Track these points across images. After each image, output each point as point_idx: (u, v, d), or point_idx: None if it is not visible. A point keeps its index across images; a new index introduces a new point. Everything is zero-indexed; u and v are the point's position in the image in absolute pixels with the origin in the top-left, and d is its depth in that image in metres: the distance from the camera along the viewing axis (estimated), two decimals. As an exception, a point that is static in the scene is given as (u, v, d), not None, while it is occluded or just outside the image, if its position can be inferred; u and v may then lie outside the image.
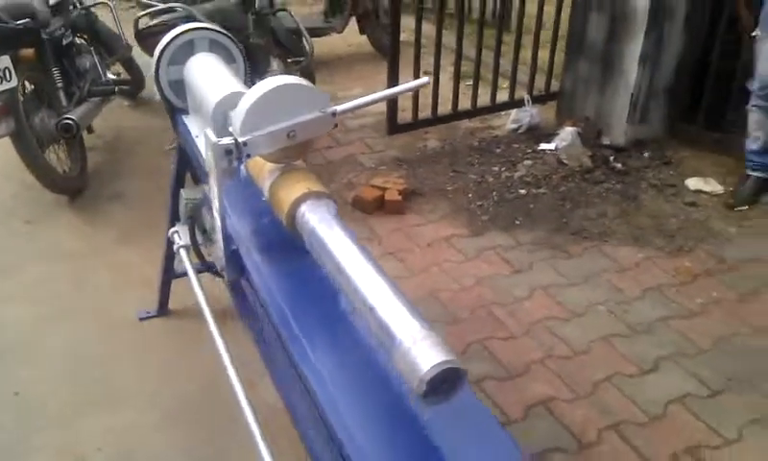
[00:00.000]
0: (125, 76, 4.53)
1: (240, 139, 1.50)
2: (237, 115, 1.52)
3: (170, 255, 2.58)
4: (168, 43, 2.25)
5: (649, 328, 2.61)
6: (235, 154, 1.51)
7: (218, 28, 2.38)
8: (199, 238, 2.38)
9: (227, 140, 1.51)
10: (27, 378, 2.41)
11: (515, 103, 4.31)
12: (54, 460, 2.11)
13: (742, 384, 2.35)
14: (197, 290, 2.25)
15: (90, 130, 4.07)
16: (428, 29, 4.29)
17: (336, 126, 1.64)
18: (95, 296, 2.83)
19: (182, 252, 2.40)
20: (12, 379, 2.40)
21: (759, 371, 2.41)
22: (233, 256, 1.61)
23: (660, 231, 3.24)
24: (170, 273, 2.61)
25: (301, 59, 3.99)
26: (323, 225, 1.44)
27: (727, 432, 2.16)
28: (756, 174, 3.46)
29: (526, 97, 4.30)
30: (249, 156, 1.53)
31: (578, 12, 4.19)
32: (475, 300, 2.71)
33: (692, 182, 3.67)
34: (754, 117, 3.37)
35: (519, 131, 4.20)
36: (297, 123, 1.55)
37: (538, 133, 4.17)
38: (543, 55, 4.40)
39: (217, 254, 1.66)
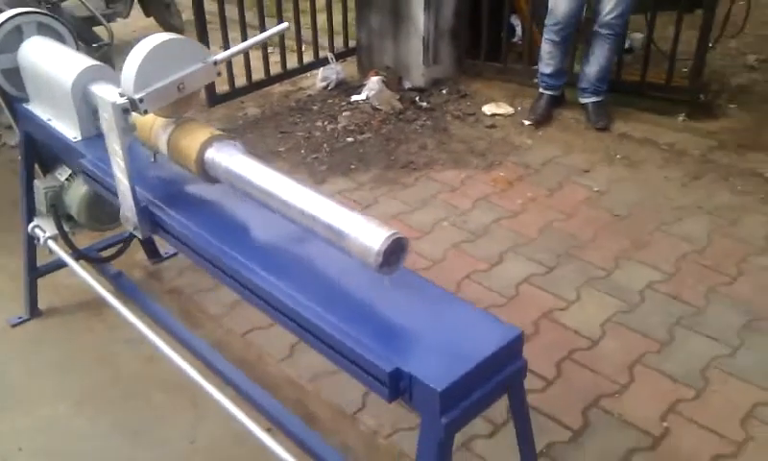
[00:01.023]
0: None
1: (135, 96, 1.57)
2: (128, 75, 1.57)
3: (32, 253, 2.50)
4: (-7, 32, 2.18)
5: (486, 231, 3.00)
6: (132, 111, 1.59)
7: (45, 10, 2.35)
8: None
9: (122, 100, 1.58)
10: None
11: (320, 62, 4.54)
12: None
13: (568, 257, 2.81)
14: (80, 273, 2.26)
15: None
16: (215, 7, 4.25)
17: (219, 74, 1.76)
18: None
19: (51, 243, 2.37)
20: None
21: (562, 243, 2.90)
22: (144, 213, 1.67)
23: (473, 152, 3.67)
24: (35, 271, 2.53)
25: (103, 43, 3.88)
26: (236, 160, 1.57)
27: (568, 295, 2.59)
28: (548, 93, 3.99)
29: (330, 55, 4.55)
30: (146, 111, 1.60)
31: (361, -29, 4.52)
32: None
33: (488, 108, 4.15)
34: (546, 48, 3.85)
35: (329, 87, 4.44)
36: (185, 75, 1.64)
37: (346, 86, 4.44)
38: (339, 18, 4.66)
39: (125, 214, 1.70)
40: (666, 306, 2.51)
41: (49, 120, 2.15)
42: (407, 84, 4.40)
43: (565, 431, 2.01)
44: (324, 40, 4.57)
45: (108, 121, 1.60)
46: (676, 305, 2.52)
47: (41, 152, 2.39)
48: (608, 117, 3.86)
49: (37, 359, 2.40)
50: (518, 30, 4.84)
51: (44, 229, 2.40)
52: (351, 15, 4.68)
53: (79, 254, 2.36)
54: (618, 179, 3.39)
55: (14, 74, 2.24)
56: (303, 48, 4.55)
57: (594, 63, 3.78)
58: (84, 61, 2.03)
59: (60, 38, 2.31)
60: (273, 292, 1.38)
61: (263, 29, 4.15)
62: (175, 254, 2.89)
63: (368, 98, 4.17)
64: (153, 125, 1.72)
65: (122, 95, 1.59)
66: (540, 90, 4.02)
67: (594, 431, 2.02)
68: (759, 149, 3.59)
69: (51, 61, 2.10)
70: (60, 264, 2.59)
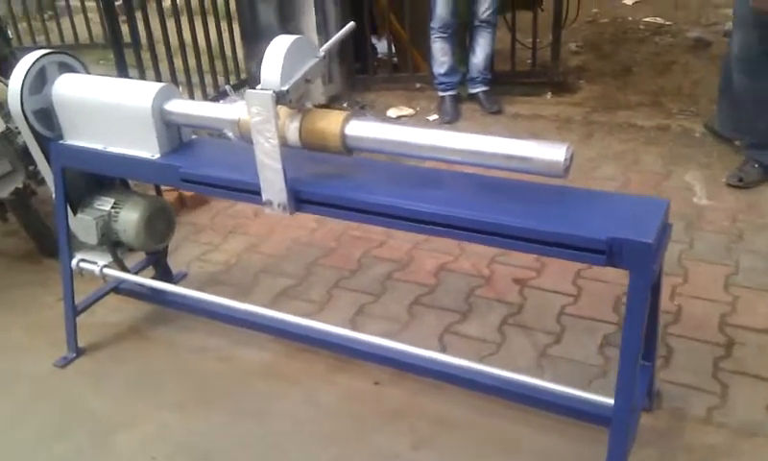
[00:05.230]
0: None
1: (284, 89, 1.79)
2: (273, 72, 1.79)
3: (71, 291, 2.47)
4: (26, 73, 2.21)
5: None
6: (278, 103, 1.80)
7: (63, 50, 2.39)
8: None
9: (272, 93, 1.78)
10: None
11: (220, 95, 4.68)
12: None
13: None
14: (153, 283, 2.32)
15: None
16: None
17: (326, 67, 2.01)
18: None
19: (108, 271, 2.41)
20: None
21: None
22: (292, 191, 1.86)
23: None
24: (75, 309, 2.50)
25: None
26: (385, 127, 1.85)
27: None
28: (448, 94, 4.45)
29: (228, 88, 4.67)
30: (290, 101, 1.83)
31: (243, 6, 4.76)
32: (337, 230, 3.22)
33: (391, 112, 4.59)
34: (437, 46, 4.34)
35: (237, 117, 4.59)
36: (309, 68, 1.90)
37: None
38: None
39: (269, 198, 1.86)
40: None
41: (105, 148, 2.22)
42: (308, 104, 4.69)
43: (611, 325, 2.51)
44: (209, 78, 4.72)
45: (263, 114, 1.79)
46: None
47: (68, 191, 2.40)
48: (498, 102, 4.47)
49: (111, 385, 2.39)
50: (379, 47, 5.37)
51: (93, 260, 2.42)
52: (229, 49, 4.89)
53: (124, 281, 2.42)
54: (530, 148, 3.97)
55: (40, 114, 2.27)
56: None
57: (480, 54, 4.36)
58: (151, 85, 2.15)
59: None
60: (474, 218, 1.67)
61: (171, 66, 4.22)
62: (185, 275, 2.97)
63: (281, 119, 4.40)
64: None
65: (266, 89, 1.80)
66: (440, 94, 4.49)
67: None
68: (622, 108, 4.38)
69: (110, 91, 2.18)
70: (95, 298, 2.61)
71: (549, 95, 4.66)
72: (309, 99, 1.98)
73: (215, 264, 3.09)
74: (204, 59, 4.54)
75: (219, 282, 2.94)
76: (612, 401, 1.69)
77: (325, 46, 1.99)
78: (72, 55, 2.38)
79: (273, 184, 1.87)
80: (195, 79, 4.48)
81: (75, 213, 2.43)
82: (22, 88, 2.20)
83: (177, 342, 2.59)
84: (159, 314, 2.72)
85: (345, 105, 4.72)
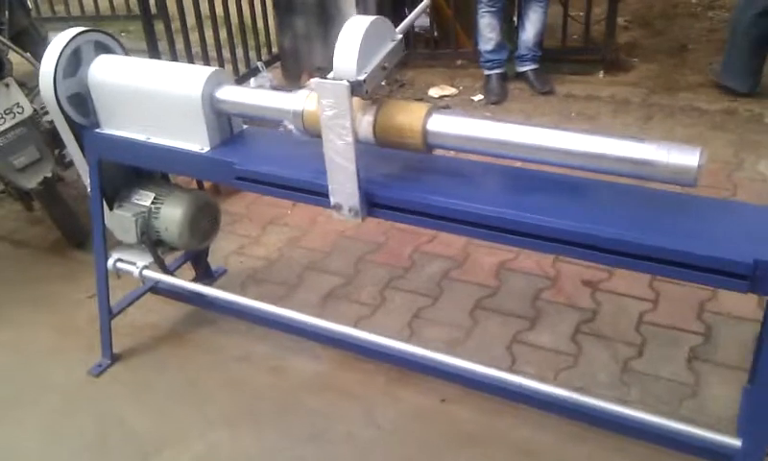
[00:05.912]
0: None
1: (360, 78, 1.55)
2: (348, 60, 1.55)
3: (106, 293, 2.26)
4: (59, 55, 1.97)
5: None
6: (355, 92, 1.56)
7: (99, 28, 2.15)
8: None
9: (344, 84, 1.54)
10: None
11: (251, 72, 4.43)
12: None
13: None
14: (198, 287, 2.11)
15: None
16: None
17: (404, 51, 1.76)
18: (27, 379, 2.35)
19: (147, 272, 2.20)
20: None
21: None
22: (364, 194, 1.63)
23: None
24: (110, 312, 2.29)
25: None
26: (474, 122, 1.60)
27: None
28: (494, 72, 4.16)
29: (260, 64, 4.45)
30: (367, 92, 1.59)
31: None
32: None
33: (433, 92, 4.33)
34: (485, 21, 4.04)
35: (268, 95, 4.35)
36: (385, 54, 1.66)
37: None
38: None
39: (338, 202, 1.63)
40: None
41: (147, 139, 1.99)
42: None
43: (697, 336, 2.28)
44: (239, 51, 4.46)
45: (336, 108, 1.55)
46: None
47: (104, 183, 2.18)
48: (549, 82, 4.19)
49: (152, 397, 2.19)
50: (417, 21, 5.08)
51: (132, 260, 2.21)
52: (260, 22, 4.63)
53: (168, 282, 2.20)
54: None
55: (74, 100, 2.04)
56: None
57: (530, 29, 4.07)
58: (200, 69, 1.91)
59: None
60: (588, 232, 1.44)
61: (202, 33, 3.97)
62: (224, 272, 2.76)
63: (317, 98, 4.15)
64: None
65: (339, 79, 1.55)
66: (486, 73, 4.21)
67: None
68: (682, 89, 4.09)
69: (153, 76, 1.94)
70: (132, 300, 2.41)
71: (602, 74, 4.37)
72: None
73: (255, 259, 2.87)
74: (235, 32, 4.28)
75: (261, 281, 2.73)
76: (738, 442, 1.47)
77: (402, 26, 1.77)
78: (109, 34, 2.14)
79: (344, 186, 1.63)
80: (225, 53, 4.22)
81: (111, 208, 2.21)
82: (55, 71, 1.97)
83: (221, 347, 2.39)
84: (200, 314, 2.51)
85: (383, 83, 4.45)
